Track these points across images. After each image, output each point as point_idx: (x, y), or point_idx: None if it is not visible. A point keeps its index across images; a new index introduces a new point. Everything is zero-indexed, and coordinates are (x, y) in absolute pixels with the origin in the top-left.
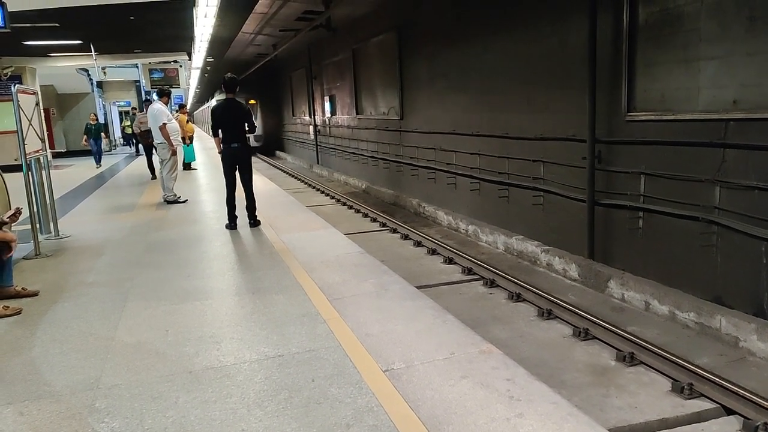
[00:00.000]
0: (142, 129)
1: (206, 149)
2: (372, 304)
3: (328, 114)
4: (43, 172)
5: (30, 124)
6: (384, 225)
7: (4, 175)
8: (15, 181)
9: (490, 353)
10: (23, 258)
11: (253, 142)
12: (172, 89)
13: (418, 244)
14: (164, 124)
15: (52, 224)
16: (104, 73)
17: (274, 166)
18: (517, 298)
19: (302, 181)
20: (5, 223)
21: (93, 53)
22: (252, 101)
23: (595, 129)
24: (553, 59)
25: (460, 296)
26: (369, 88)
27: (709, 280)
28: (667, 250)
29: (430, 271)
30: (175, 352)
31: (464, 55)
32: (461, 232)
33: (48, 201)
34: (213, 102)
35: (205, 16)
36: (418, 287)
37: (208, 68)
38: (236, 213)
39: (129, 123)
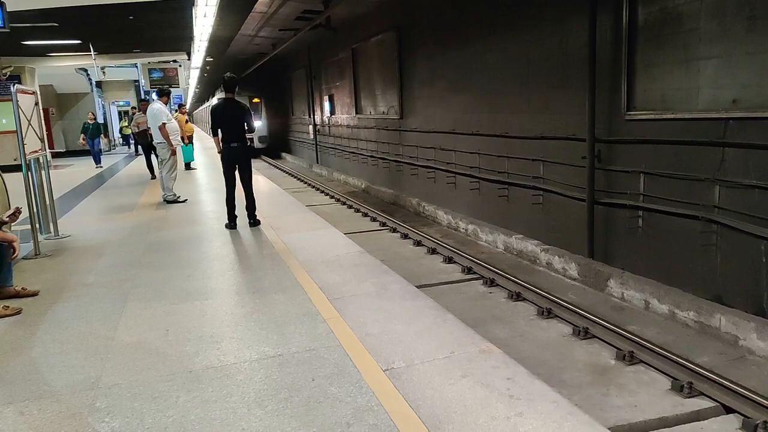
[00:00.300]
0: (140, 129)
1: (206, 149)
2: (372, 304)
3: (327, 113)
4: (43, 172)
5: (29, 124)
6: (384, 224)
7: (4, 175)
8: (14, 181)
9: (490, 352)
10: (23, 258)
11: (257, 143)
12: (171, 89)
13: (418, 243)
14: (164, 123)
15: (51, 224)
16: (103, 72)
17: (273, 165)
18: (516, 297)
19: (302, 181)
20: (5, 223)
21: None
22: (256, 99)
23: (595, 128)
24: (553, 59)
25: (460, 295)
26: (369, 88)
27: (709, 279)
28: (666, 249)
29: (430, 271)
30: (176, 352)
31: (464, 55)
32: (461, 232)
33: (48, 201)
34: (215, 100)
35: (205, 16)
36: (418, 287)
37: (208, 68)
38: (236, 213)
39: (127, 123)
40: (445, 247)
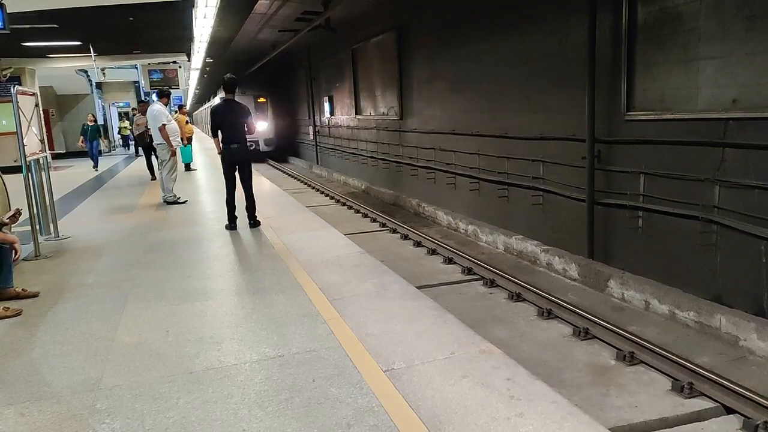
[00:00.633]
0: (140, 131)
1: (206, 150)
2: (372, 304)
3: (327, 114)
4: (43, 173)
5: (29, 125)
6: (384, 225)
7: (4, 176)
8: (15, 183)
9: (491, 353)
10: (23, 259)
11: (262, 147)
12: (171, 90)
13: (418, 244)
14: (164, 125)
15: (52, 225)
16: (103, 74)
17: (273, 166)
18: (517, 297)
19: (302, 182)
20: (5, 225)
21: (92, 54)
22: (261, 99)
23: (595, 129)
24: (552, 59)
25: (460, 296)
26: (368, 89)
27: (709, 279)
28: (666, 250)
29: (430, 271)
30: (176, 353)
31: (464, 55)
32: (461, 232)
33: (48, 202)
34: (217, 99)
35: (205, 17)
36: (418, 287)
37: (208, 69)
38: (236, 213)
39: (125, 125)
40: (445, 248)
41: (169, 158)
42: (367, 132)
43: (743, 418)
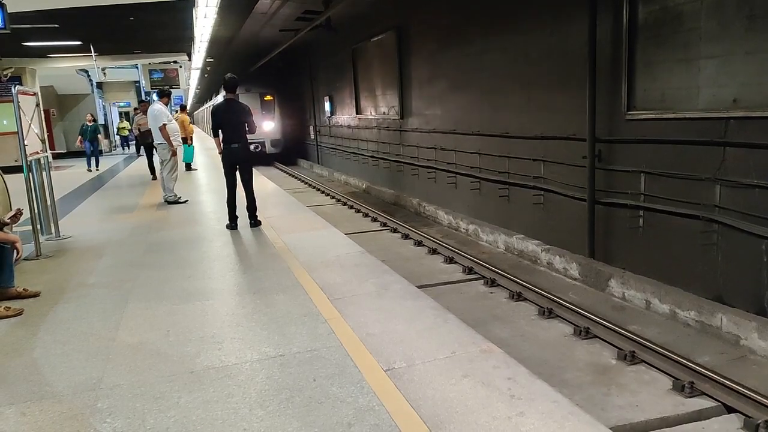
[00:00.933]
0: (141, 130)
1: (206, 149)
2: (373, 304)
3: (328, 113)
4: (44, 173)
5: (30, 125)
6: (384, 225)
7: (5, 176)
8: (16, 183)
9: (491, 352)
10: (24, 259)
11: (269, 148)
12: (172, 90)
13: (419, 243)
14: (164, 124)
15: (53, 225)
16: (104, 74)
17: (274, 166)
18: (517, 297)
19: (302, 181)
20: (6, 224)
21: (93, 54)
22: (268, 97)
23: (596, 128)
24: (553, 58)
25: (460, 296)
26: (369, 88)
27: (710, 279)
28: (667, 249)
29: (430, 271)
30: (177, 353)
31: (464, 55)
32: (462, 232)
33: (49, 202)
34: (220, 98)
35: (205, 17)
36: (419, 287)
37: (208, 68)
38: (237, 213)
39: (124, 125)
40: (446, 248)
41: (170, 158)
42: (368, 131)
43: (744, 417)
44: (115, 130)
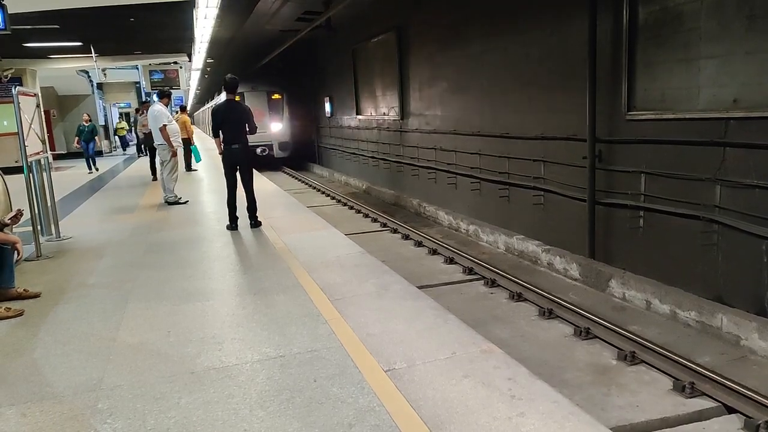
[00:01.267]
0: (145, 132)
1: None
2: (373, 304)
3: (328, 114)
4: (44, 173)
5: (31, 126)
6: (385, 225)
7: (5, 176)
8: (16, 183)
9: (492, 353)
10: (25, 260)
11: (277, 151)
12: (172, 90)
13: (419, 244)
14: (164, 125)
15: (53, 226)
16: (104, 74)
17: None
18: (518, 297)
19: (303, 182)
20: (7, 225)
21: (93, 55)
22: (276, 96)
23: (596, 128)
24: (553, 58)
25: (461, 296)
26: (369, 89)
27: (710, 279)
28: (667, 249)
29: (431, 271)
30: (177, 353)
31: (464, 55)
32: (462, 232)
33: (49, 203)
34: (222, 97)
35: (205, 18)
36: (419, 287)
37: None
38: (237, 214)
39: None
40: (446, 248)
41: (170, 159)
42: (368, 132)
43: (744, 417)
44: (114, 130)
